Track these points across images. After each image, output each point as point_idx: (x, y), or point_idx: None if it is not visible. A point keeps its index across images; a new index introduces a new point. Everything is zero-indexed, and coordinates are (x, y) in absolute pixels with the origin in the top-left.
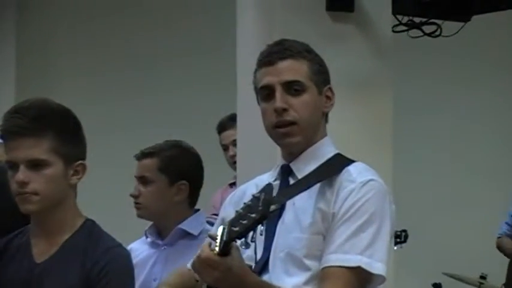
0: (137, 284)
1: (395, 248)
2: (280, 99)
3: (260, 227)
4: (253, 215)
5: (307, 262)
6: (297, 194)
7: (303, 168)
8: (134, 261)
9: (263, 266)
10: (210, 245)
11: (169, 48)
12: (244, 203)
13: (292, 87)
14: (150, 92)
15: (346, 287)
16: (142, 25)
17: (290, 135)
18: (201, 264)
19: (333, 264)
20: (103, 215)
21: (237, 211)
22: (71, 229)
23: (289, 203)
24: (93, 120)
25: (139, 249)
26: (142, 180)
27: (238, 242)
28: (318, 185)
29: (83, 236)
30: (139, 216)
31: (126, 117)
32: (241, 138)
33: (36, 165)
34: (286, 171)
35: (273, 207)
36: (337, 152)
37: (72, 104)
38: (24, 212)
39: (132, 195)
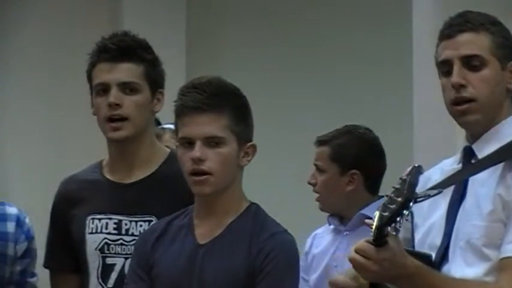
0: (319, 270)
1: None
2: (457, 74)
3: (405, 212)
4: (399, 199)
5: (487, 252)
6: (469, 175)
7: (485, 149)
8: (317, 247)
9: (443, 254)
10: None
11: (340, 26)
12: (393, 187)
13: (471, 62)
14: (319, 71)
15: None
16: (311, 6)
17: (468, 113)
18: (357, 258)
19: (510, 255)
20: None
21: (387, 195)
22: (235, 212)
23: (470, 188)
24: (261, 104)
25: (322, 235)
26: (317, 168)
27: (389, 228)
28: (500, 170)
29: (248, 220)
30: (321, 209)
31: (298, 100)
32: (418, 121)
33: (213, 142)
34: (468, 154)
35: (433, 191)
36: None
37: (241, 85)
38: (196, 193)
39: (309, 183)
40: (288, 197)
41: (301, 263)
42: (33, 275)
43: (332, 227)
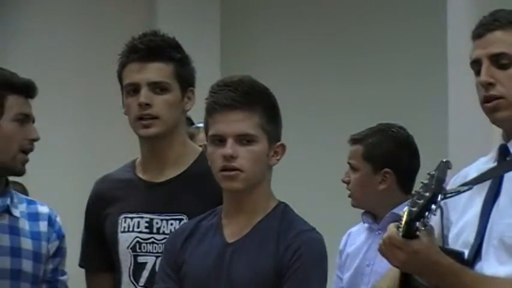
0: (352, 269)
1: None
2: (485, 73)
3: (433, 206)
4: (427, 194)
5: None
6: (502, 172)
7: None
8: (351, 246)
9: (476, 252)
10: (398, 226)
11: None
12: (422, 182)
13: (500, 61)
14: (353, 68)
15: None
16: (345, 2)
17: (497, 109)
18: (385, 244)
19: None
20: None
21: (416, 191)
22: (264, 211)
23: (505, 186)
24: (294, 100)
25: (357, 233)
26: (351, 166)
27: (418, 223)
28: None
29: (276, 219)
30: (353, 205)
31: (331, 98)
32: (453, 120)
33: (245, 140)
34: (503, 152)
35: (463, 188)
36: None
37: (272, 85)
38: (226, 189)
39: (343, 181)
40: (321, 196)
41: (337, 260)
42: (63, 273)
43: (366, 225)
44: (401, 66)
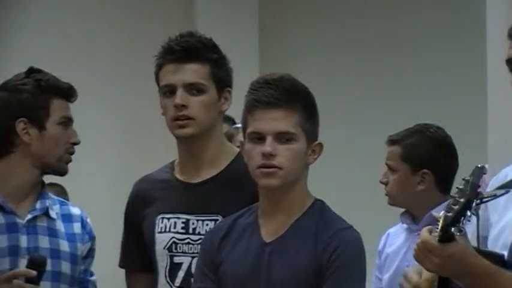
0: (391, 270)
1: None
2: None
3: (468, 212)
4: (462, 200)
5: None
6: None
7: None
8: (390, 246)
9: None
10: (431, 231)
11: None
12: (457, 187)
13: None
14: (390, 70)
15: None
16: (381, 7)
17: None
18: (420, 249)
19: None
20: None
21: (451, 195)
22: (301, 210)
23: None
24: (334, 102)
25: (396, 234)
26: (389, 167)
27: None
28: None
29: (313, 217)
30: (389, 204)
31: (369, 100)
32: (492, 120)
33: (284, 138)
34: None
35: (500, 191)
36: None
37: (311, 83)
38: (264, 186)
39: (381, 182)
40: (360, 196)
41: (376, 261)
42: (92, 273)
43: (405, 226)
44: (440, 66)
